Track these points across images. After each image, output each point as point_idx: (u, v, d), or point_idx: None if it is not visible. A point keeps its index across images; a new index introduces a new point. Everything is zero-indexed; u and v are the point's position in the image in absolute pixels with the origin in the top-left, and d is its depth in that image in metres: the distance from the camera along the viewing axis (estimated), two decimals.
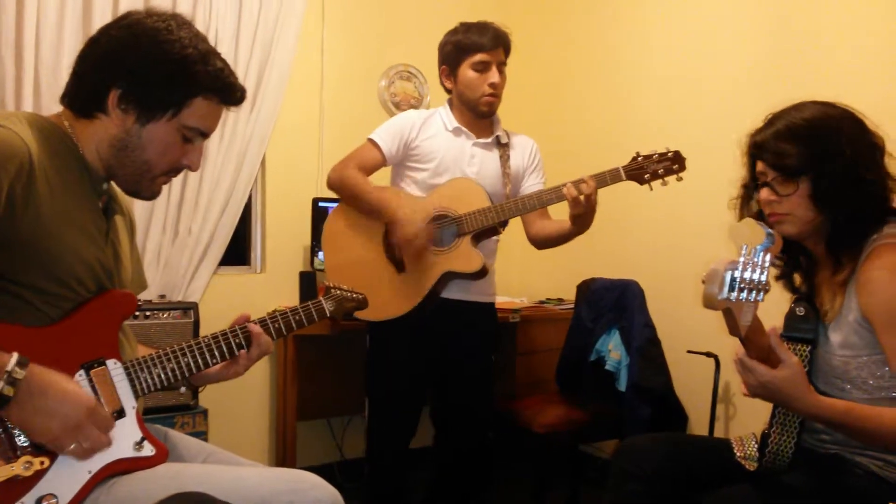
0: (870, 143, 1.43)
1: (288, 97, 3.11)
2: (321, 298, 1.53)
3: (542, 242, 2.34)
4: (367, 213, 2.22)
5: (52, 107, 2.57)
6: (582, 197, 2.04)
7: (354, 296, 1.59)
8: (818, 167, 1.40)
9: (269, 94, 3.02)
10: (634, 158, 2.14)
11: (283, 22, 3.03)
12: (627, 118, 3.23)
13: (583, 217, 2.12)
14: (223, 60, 1.31)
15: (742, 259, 1.08)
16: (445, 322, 2.23)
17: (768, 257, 1.08)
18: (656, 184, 2.14)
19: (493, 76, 2.23)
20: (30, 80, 2.53)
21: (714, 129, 2.82)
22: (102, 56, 1.25)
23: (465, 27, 2.27)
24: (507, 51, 2.29)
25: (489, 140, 2.32)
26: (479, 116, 2.29)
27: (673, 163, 2.13)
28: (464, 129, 2.29)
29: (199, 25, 2.78)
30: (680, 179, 2.14)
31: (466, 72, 2.24)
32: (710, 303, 1.09)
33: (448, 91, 2.33)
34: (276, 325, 1.43)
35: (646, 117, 3.13)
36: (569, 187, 2.06)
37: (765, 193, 1.47)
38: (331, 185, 2.30)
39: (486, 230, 2.19)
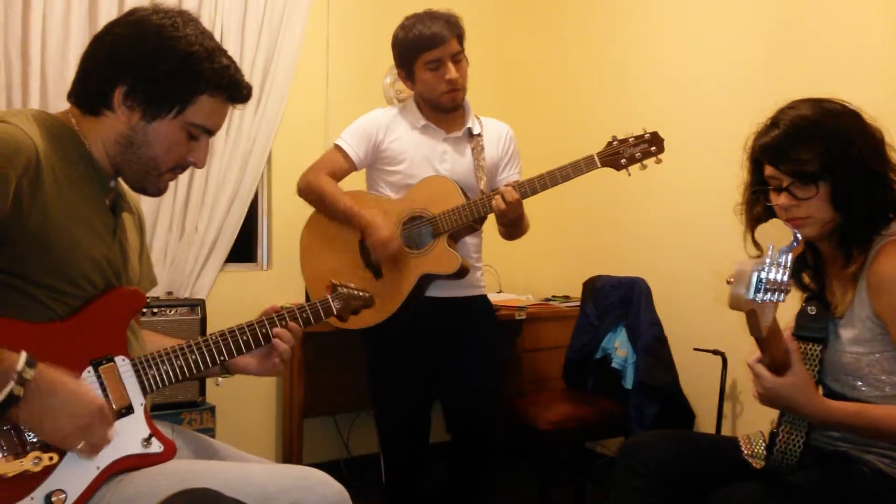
0: (874, 137, 1.43)
1: (293, 94, 3.11)
2: (328, 297, 1.53)
3: (504, 236, 2.31)
4: (339, 220, 2.20)
5: (59, 105, 2.58)
6: (504, 206, 2.04)
7: (361, 294, 1.59)
8: (837, 168, 1.39)
9: (275, 92, 3.02)
10: (610, 143, 2.07)
11: (288, 19, 3.03)
12: (628, 116, 3.22)
13: (510, 224, 2.14)
14: (229, 58, 1.31)
15: (768, 260, 1.07)
16: (437, 320, 2.21)
17: (790, 258, 1.07)
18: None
19: (450, 72, 2.14)
20: (36, 78, 2.54)
21: (719, 126, 2.81)
22: (108, 53, 1.26)
23: (412, 21, 2.17)
24: (460, 39, 2.18)
25: (460, 133, 2.26)
26: (444, 112, 2.23)
27: (650, 145, 2.04)
28: (432, 125, 2.23)
29: (205, 22, 2.76)
30: (659, 162, 2.06)
31: (422, 73, 2.17)
32: (736, 304, 1.08)
33: (412, 90, 2.28)
34: (284, 323, 1.44)
35: (648, 114, 3.12)
36: (497, 200, 2.05)
37: (783, 199, 1.45)
38: (300, 193, 2.27)
39: (463, 228, 2.15)
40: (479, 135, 2.28)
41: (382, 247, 2.10)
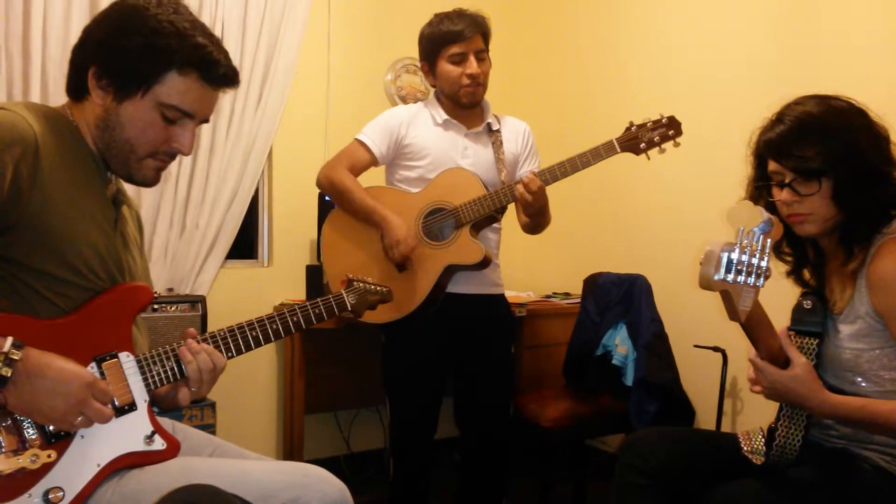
0: (878, 135, 1.43)
1: (294, 91, 3.11)
2: (342, 291, 1.50)
3: (528, 228, 2.32)
4: (358, 216, 2.21)
5: (60, 101, 2.57)
6: (529, 197, 2.04)
7: (378, 289, 1.55)
8: (840, 166, 1.39)
9: (276, 88, 3.02)
10: (628, 129, 2.10)
11: (289, 15, 3.03)
12: (632, 109, 3.20)
13: (536, 213, 2.14)
14: (210, 38, 1.26)
15: (739, 241, 1.07)
16: (457, 317, 2.22)
17: (768, 242, 1.07)
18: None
19: (471, 66, 2.17)
20: (37, 74, 2.54)
21: (721, 122, 2.80)
22: (85, 35, 1.26)
23: (439, 18, 2.22)
24: (485, 37, 2.22)
25: (480, 129, 2.28)
26: (463, 108, 2.25)
27: (668, 128, 2.09)
28: (453, 121, 2.26)
29: (205, 18, 2.78)
30: (677, 145, 2.10)
31: (444, 66, 2.20)
32: (705, 283, 1.09)
33: (434, 86, 2.31)
34: (295, 319, 1.42)
35: (651, 108, 3.11)
36: (519, 188, 2.06)
37: (785, 195, 1.44)
38: (319, 187, 2.29)
39: (485, 219, 2.17)
40: (498, 131, 2.30)
41: (397, 246, 2.11)
